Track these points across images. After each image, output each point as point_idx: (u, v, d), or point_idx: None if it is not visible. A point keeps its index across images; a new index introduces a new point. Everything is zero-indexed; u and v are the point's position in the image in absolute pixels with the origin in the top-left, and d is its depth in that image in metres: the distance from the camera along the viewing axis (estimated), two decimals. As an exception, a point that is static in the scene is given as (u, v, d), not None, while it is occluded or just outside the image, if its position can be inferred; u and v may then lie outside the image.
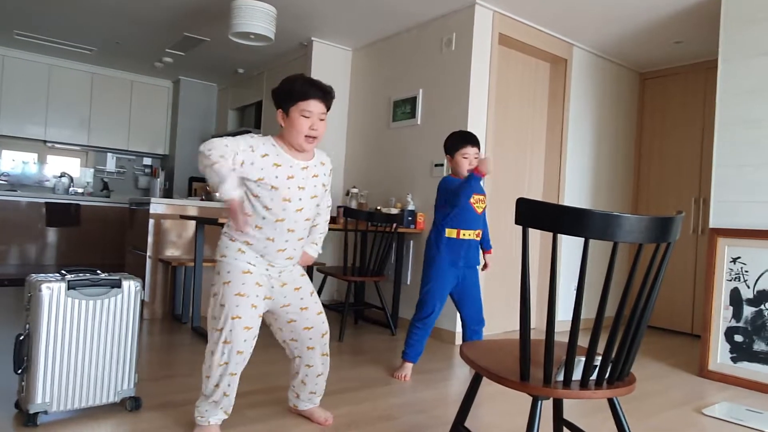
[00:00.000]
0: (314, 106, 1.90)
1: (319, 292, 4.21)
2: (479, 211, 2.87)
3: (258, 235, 1.91)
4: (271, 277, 1.98)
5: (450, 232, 2.82)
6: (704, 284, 3.35)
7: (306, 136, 1.90)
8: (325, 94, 1.94)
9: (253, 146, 1.87)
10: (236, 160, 1.83)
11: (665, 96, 5.01)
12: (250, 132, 5.78)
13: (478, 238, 2.90)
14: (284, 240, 1.94)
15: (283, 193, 1.89)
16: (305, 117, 1.89)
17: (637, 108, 5.19)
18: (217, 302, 1.90)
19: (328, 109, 1.98)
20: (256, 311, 1.91)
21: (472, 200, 2.82)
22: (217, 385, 1.88)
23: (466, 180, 2.67)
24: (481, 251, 3.00)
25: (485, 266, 3.06)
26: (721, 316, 3.25)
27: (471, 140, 2.85)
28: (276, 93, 1.95)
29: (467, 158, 2.83)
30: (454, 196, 2.73)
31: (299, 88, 1.90)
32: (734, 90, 3.29)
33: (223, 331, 1.85)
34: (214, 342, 1.87)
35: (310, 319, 2.07)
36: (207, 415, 1.93)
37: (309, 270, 4.61)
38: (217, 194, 1.84)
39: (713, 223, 3.34)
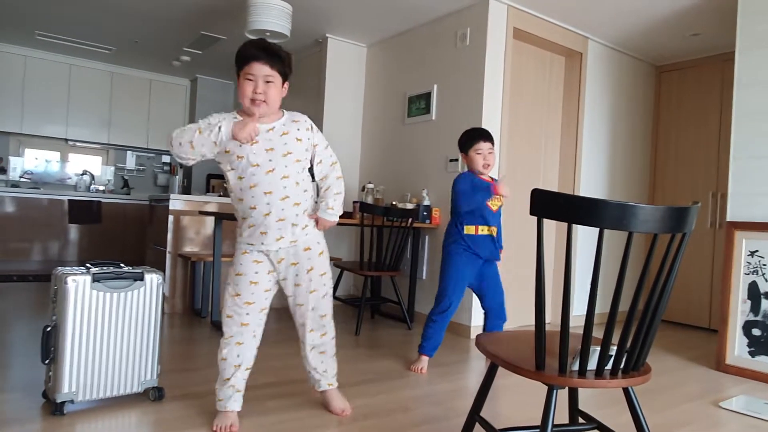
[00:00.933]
0: (257, 68, 1.86)
1: (336, 287, 4.25)
2: (494, 208, 2.90)
3: (242, 207, 1.96)
4: (269, 252, 1.98)
5: (468, 228, 2.85)
6: (722, 278, 3.32)
7: (252, 99, 1.88)
8: (269, 55, 1.87)
9: (210, 122, 1.89)
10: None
11: (682, 89, 4.96)
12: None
13: (494, 235, 2.93)
14: (266, 203, 1.92)
15: (250, 158, 1.90)
16: (249, 80, 1.87)
17: (653, 101, 5.15)
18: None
19: (281, 73, 1.91)
20: (258, 287, 1.98)
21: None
22: (224, 359, 1.98)
23: (482, 194, 2.74)
24: None
25: None
26: (739, 309, 3.22)
27: (483, 135, 2.87)
28: (235, 64, 1.96)
29: (481, 154, 2.85)
30: (468, 205, 2.79)
31: (242, 52, 1.90)
32: (752, 82, 3.26)
33: (226, 307, 2.00)
34: (222, 319, 2.00)
35: (301, 296, 2.06)
36: (224, 401, 1.99)
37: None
38: (222, 137, 1.85)
39: (731, 216, 3.32)
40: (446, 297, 2.86)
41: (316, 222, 2.06)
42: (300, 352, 2.17)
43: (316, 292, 2.07)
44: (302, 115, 2.06)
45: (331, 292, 2.14)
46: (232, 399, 1.99)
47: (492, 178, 2.96)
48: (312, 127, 2.05)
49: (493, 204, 2.89)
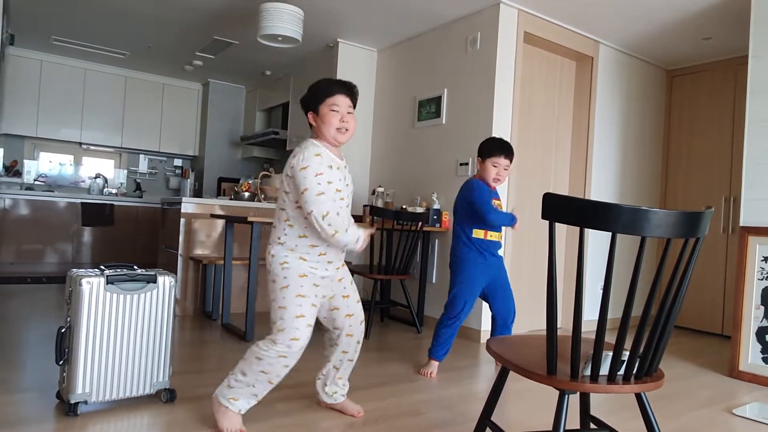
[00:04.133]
0: (340, 100, 2.03)
1: (345, 291, 4.27)
2: None
3: (314, 233, 1.97)
4: (327, 276, 2.06)
5: (477, 233, 2.86)
6: (735, 284, 3.29)
7: (337, 128, 2.01)
8: (349, 90, 2.07)
9: (327, 165, 1.98)
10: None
11: (694, 93, 4.93)
12: (276, 132, 5.90)
13: (500, 240, 2.96)
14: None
15: (340, 193, 2.00)
16: (334, 111, 2.01)
17: (665, 106, 5.12)
18: (277, 305, 1.97)
19: (354, 105, 2.10)
20: (316, 310, 2.02)
21: (493, 204, 2.89)
22: (264, 372, 1.94)
23: (506, 220, 2.82)
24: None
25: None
26: (752, 315, 3.19)
27: (506, 151, 2.87)
28: (304, 98, 2.09)
29: (497, 168, 2.85)
30: (498, 220, 2.84)
31: (324, 85, 2.05)
32: (765, 88, 3.23)
33: (290, 328, 1.92)
34: (276, 339, 1.92)
35: (351, 307, 2.16)
36: (240, 403, 1.98)
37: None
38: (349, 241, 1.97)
39: (744, 221, 3.29)
40: (458, 302, 2.86)
41: None
42: (328, 367, 2.23)
43: (360, 302, 2.22)
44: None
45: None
46: (248, 405, 2.01)
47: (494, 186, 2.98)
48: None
49: None
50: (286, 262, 1.98)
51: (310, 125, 2.08)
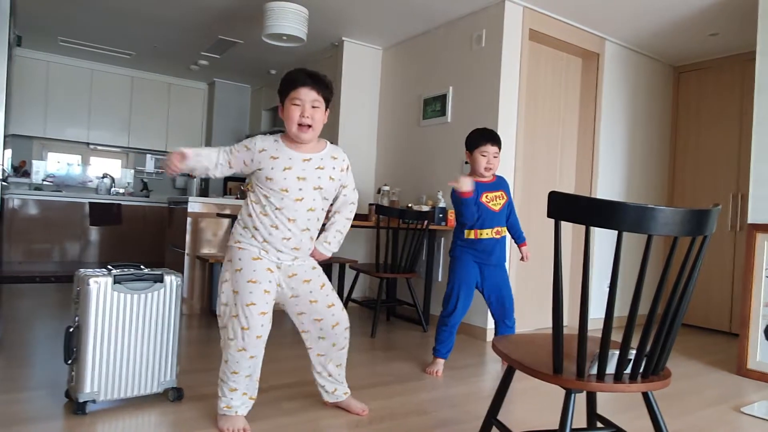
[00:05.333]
0: (304, 93, 1.93)
1: (351, 289, 4.27)
2: (496, 208, 2.87)
3: (265, 221, 1.96)
4: (280, 266, 2.01)
5: (468, 233, 2.85)
6: (742, 281, 3.27)
7: (298, 124, 1.94)
8: (315, 81, 1.95)
9: (247, 145, 1.99)
10: (231, 161, 1.99)
11: (701, 90, 4.90)
12: (282, 132, 5.90)
13: (499, 236, 2.89)
14: (287, 229, 1.96)
15: (280, 183, 1.94)
16: (296, 105, 1.94)
17: (671, 102, 5.09)
18: (229, 288, 1.96)
19: (325, 98, 1.99)
20: (270, 296, 1.97)
21: (485, 199, 2.84)
22: (235, 372, 1.94)
23: (457, 202, 2.76)
24: (515, 245, 3.02)
25: (522, 257, 3.04)
26: (761, 313, 3.17)
27: (491, 138, 2.84)
28: (278, 91, 2.02)
29: (485, 156, 2.83)
30: (459, 214, 2.82)
31: (289, 77, 1.97)
32: (774, 82, 3.21)
33: (239, 318, 1.91)
34: (232, 329, 1.93)
35: (319, 312, 2.09)
36: (234, 405, 1.98)
37: (341, 267, 4.67)
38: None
39: (752, 218, 3.26)
40: (451, 301, 2.88)
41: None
42: (313, 368, 2.21)
43: (335, 306, 2.12)
44: (342, 152, 2.12)
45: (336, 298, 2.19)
46: (244, 406, 2.01)
47: (495, 176, 2.93)
48: (347, 168, 2.12)
49: (494, 204, 2.86)
50: (239, 241, 2.01)
51: None
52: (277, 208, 1.94)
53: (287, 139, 2.02)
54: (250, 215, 1.98)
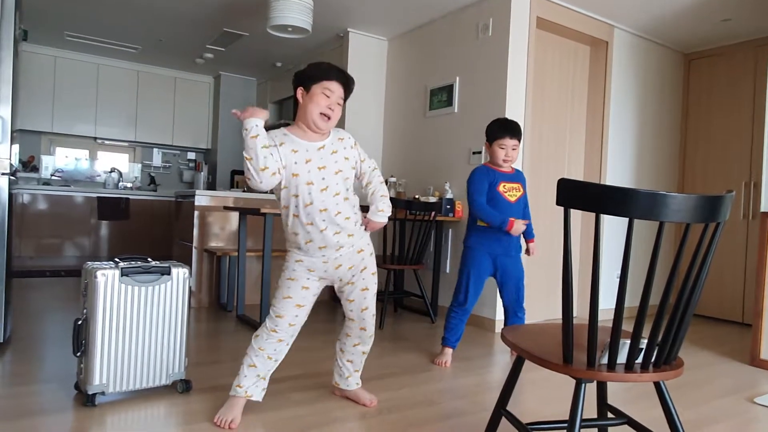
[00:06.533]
0: (335, 87, 1.99)
1: (359, 281, 4.26)
2: (512, 199, 2.85)
3: (297, 222, 1.98)
4: (327, 260, 2.04)
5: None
6: (756, 270, 3.23)
7: (321, 113, 1.96)
8: (347, 82, 2.03)
9: (274, 138, 1.97)
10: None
11: (712, 77, 4.83)
12: (289, 124, 5.89)
13: None
14: (321, 220, 1.97)
15: (305, 177, 1.95)
16: (326, 95, 1.97)
17: (682, 90, 5.02)
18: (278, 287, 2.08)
19: (346, 98, 2.05)
20: (309, 292, 2.04)
21: (502, 188, 2.84)
22: (262, 349, 2.01)
23: (491, 218, 2.75)
24: (523, 239, 2.99)
25: (527, 251, 3.02)
26: (774, 303, 3.13)
27: (511, 131, 2.82)
28: (300, 73, 2.03)
29: (504, 149, 2.82)
30: (477, 213, 2.80)
31: (325, 67, 2.01)
32: (788, 67, 3.15)
33: (275, 307, 2.04)
34: (269, 316, 2.04)
35: (367, 299, 2.14)
36: (244, 385, 2.01)
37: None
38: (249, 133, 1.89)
39: (765, 206, 3.21)
40: (462, 290, 2.87)
41: (366, 224, 2.12)
42: (337, 347, 2.25)
43: (368, 291, 2.14)
44: (345, 132, 2.14)
45: (376, 290, 2.19)
46: (255, 386, 2.02)
47: (514, 169, 2.92)
48: (355, 144, 2.14)
49: (511, 195, 2.85)
50: (288, 250, 2.10)
51: (296, 101, 2.03)
52: (306, 205, 1.96)
53: (296, 129, 2.02)
54: (287, 224, 2.03)
